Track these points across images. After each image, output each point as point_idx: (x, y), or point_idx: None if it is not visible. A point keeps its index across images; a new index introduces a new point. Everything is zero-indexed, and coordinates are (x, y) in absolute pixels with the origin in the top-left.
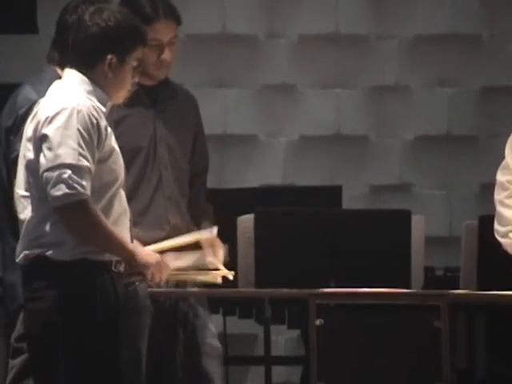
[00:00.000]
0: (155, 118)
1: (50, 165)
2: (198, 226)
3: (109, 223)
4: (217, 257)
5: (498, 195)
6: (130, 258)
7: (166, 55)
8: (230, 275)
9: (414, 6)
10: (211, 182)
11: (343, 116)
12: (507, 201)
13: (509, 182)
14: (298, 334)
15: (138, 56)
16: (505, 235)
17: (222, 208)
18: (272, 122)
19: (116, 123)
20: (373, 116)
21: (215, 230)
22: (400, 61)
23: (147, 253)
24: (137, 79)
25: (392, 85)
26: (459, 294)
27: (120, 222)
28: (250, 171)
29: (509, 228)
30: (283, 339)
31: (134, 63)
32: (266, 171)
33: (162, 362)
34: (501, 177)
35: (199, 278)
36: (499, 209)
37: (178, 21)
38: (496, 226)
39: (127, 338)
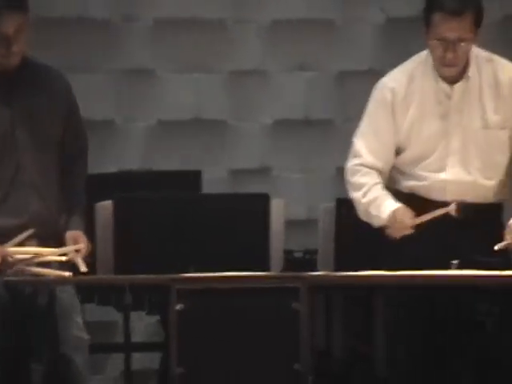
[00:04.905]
0: (12, 103)
1: None
2: (68, 216)
3: None
4: (77, 249)
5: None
6: None
7: (15, 47)
8: (83, 268)
9: None
10: None
11: (202, 100)
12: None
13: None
14: (157, 320)
15: None
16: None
17: None
18: (129, 107)
19: None
20: (232, 100)
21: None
22: (258, 45)
23: None
24: None
25: (250, 69)
26: (317, 276)
27: None
28: (108, 156)
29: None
30: (143, 325)
31: None
32: (124, 156)
33: (23, 354)
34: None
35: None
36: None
37: (22, 9)
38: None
39: None
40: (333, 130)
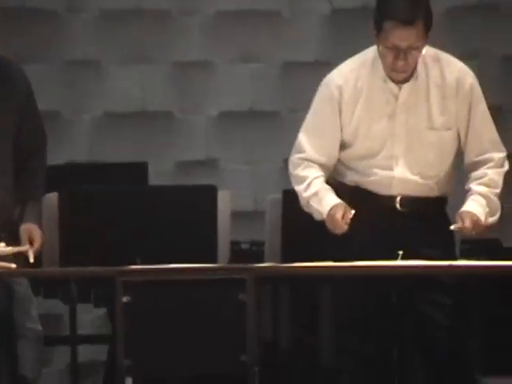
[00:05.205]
0: None
1: None
2: (22, 209)
3: None
4: (30, 244)
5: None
6: None
7: None
8: (31, 258)
9: None
10: None
11: (147, 92)
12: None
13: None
14: (104, 312)
15: None
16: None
17: None
18: (75, 98)
19: None
20: (177, 92)
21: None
22: (203, 36)
23: None
24: None
25: (196, 61)
26: (264, 267)
27: None
28: (54, 149)
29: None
30: (90, 318)
31: None
32: (70, 148)
33: None
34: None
35: None
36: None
37: None
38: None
39: None
40: (279, 121)
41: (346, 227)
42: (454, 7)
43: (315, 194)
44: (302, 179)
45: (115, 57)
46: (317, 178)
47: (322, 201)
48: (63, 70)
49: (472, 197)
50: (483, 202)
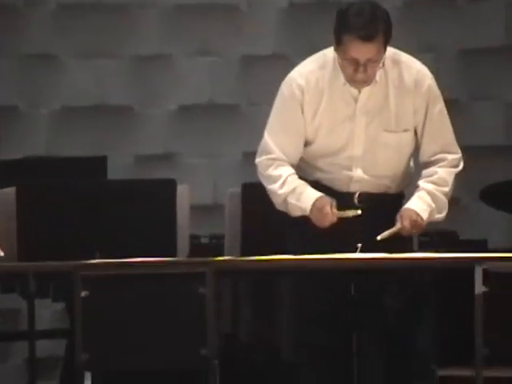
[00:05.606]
0: None
1: None
2: None
3: None
4: None
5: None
6: None
7: None
8: (1, 253)
9: None
10: None
11: (106, 86)
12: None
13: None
14: (63, 307)
15: None
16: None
17: None
18: (33, 93)
19: None
20: (135, 86)
21: None
22: (161, 30)
23: None
24: None
25: (154, 54)
26: (223, 261)
27: None
28: (12, 143)
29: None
30: (48, 312)
31: None
32: (29, 143)
33: None
34: None
35: None
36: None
37: None
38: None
39: None
40: (238, 114)
41: (335, 219)
42: (410, 0)
43: (293, 190)
44: (275, 178)
45: (73, 50)
46: (291, 175)
47: (302, 196)
48: (21, 64)
49: (417, 193)
50: (428, 199)
